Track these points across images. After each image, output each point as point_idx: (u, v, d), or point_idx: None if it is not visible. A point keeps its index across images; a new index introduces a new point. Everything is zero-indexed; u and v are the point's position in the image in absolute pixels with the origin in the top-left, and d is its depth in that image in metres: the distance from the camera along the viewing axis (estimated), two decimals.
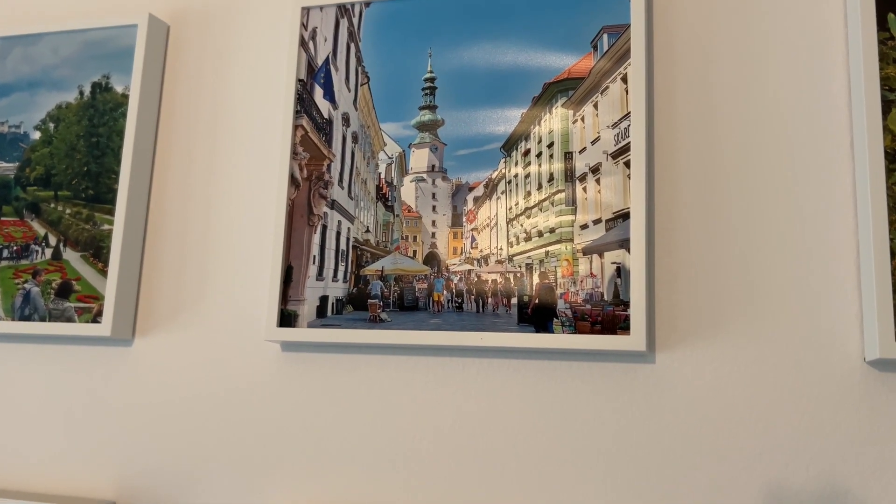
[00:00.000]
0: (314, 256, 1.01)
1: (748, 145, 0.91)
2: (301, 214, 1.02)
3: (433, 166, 1.02)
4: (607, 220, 0.91)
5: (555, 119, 0.95)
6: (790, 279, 0.87)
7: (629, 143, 0.90)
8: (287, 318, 0.99)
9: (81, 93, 1.16)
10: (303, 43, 1.06)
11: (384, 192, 1.03)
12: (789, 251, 0.87)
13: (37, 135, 1.17)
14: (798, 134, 0.89)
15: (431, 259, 1.00)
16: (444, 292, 0.97)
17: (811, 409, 0.84)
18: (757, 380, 0.86)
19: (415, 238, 1.01)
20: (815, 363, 0.84)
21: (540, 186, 0.95)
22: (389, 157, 1.03)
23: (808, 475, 0.82)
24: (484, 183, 0.99)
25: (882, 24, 0.86)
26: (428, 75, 1.01)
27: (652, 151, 0.93)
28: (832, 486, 0.82)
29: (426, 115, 1.01)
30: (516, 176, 0.97)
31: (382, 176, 1.04)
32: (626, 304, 0.87)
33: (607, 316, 0.88)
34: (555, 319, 0.90)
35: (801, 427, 0.83)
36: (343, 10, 1.06)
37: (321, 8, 1.06)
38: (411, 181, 1.03)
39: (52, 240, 1.14)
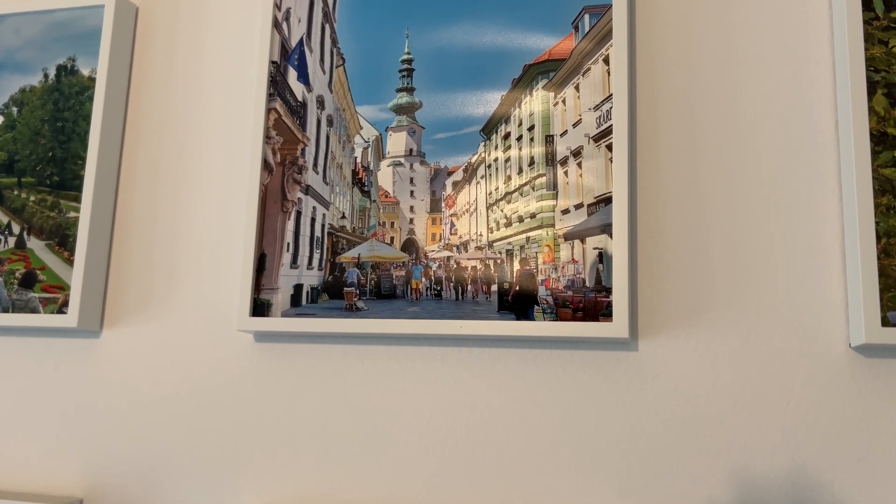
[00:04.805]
0: (288, 244, 0.98)
1: (732, 128, 0.89)
2: (274, 200, 0.99)
3: (411, 150, 0.99)
4: (589, 205, 0.89)
5: (535, 101, 0.93)
6: (774, 264, 0.85)
7: (611, 125, 0.88)
8: (260, 308, 0.96)
9: (46, 76, 1.12)
10: (276, 24, 1.03)
11: (360, 176, 1.00)
12: (774, 235, 0.86)
13: None
14: (783, 116, 0.88)
15: (409, 246, 0.97)
16: (423, 280, 0.94)
17: (796, 396, 0.82)
18: (741, 366, 0.84)
19: (392, 224, 0.98)
20: (800, 349, 0.83)
21: (520, 170, 0.93)
22: (366, 141, 1.00)
23: (793, 462, 0.81)
24: (463, 167, 0.96)
25: (867, 4, 0.85)
26: (405, 57, 0.98)
27: (634, 134, 0.91)
28: (818, 473, 0.80)
29: (403, 98, 0.98)
30: (496, 160, 0.94)
31: (359, 160, 1.01)
32: (609, 291, 0.85)
33: (589, 303, 0.86)
34: (536, 307, 0.88)
35: (787, 414, 0.82)
36: None
37: None
38: (388, 165, 1.00)
39: (16, 228, 1.10)
